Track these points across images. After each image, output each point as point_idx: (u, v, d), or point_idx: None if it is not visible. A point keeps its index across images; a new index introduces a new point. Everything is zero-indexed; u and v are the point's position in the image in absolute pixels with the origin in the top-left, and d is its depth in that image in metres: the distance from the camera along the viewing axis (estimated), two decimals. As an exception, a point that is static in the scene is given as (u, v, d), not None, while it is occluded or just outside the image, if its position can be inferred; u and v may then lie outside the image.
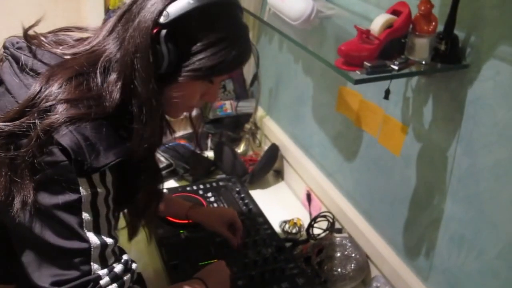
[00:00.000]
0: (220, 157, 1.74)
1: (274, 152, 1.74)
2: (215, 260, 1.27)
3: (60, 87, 0.80)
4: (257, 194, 1.67)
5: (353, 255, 1.29)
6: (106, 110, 0.81)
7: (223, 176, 1.71)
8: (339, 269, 1.26)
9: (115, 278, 0.81)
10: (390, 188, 1.23)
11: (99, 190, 0.79)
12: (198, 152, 1.83)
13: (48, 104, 0.78)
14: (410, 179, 1.15)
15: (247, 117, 1.90)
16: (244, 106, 1.92)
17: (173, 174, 1.75)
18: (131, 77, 0.82)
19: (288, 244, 1.42)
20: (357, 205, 1.39)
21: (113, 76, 0.84)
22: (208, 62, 0.85)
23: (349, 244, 1.31)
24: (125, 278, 0.83)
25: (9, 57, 0.87)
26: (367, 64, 0.85)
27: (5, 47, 0.90)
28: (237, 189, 1.58)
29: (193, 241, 1.34)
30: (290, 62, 1.65)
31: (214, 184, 1.61)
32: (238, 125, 1.92)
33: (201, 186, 1.59)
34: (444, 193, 1.05)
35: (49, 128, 0.76)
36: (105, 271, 0.80)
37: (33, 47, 0.87)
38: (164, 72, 0.84)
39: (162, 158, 1.76)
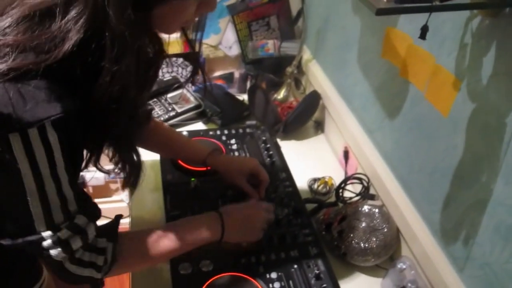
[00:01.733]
0: (253, 102, 1.57)
1: (313, 100, 1.54)
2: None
3: (10, 26, 0.65)
4: (290, 146, 1.51)
5: (380, 228, 1.10)
6: (59, 55, 0.65)
7: (253, 122, 1.54)
8: (361, 243, 1.09)
9: (58, 241, 0.72)
10: (432, 156, 1.01)
11: (36, 149, 0.66)
12: (232, 94, 1.67)
13: None
14: (457, 147, 0.92)
15: (291, 59, 1.70)
16: (288, 47, 1.71)
17: (201, 115, 1.62)
18: (101, 5, 0.66)
19: (312, 206, 1.25)
20: (395, 170, 1.18)
21: (75, 10, 0.67)
22: None
23: (378, 215, 1.12)
24: (72, 241, 0.74)
25: None
26: (397, -11, 0.62)
27: None
28: (264, 138, 1.42)
29: (203, 192, 1.21)
30: (340, 0, 1.41)
31: (240, 131, 1.46)
32: (281, 68, 1.72)
33: (226, 132, 1.44)
34: (495, 170, 0.82)
35: None
36: (48, 233, 0.71)
37: None
38: None
39: (191, 98, 1.63)
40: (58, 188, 0.70)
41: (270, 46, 1.71)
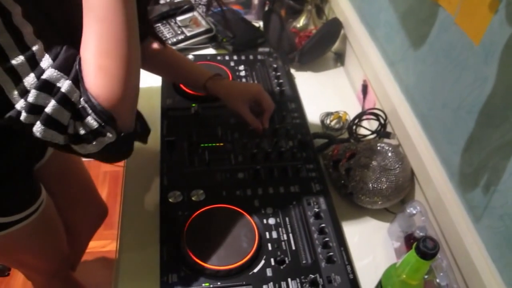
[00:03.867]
0: (267, 27, 1.44)
1: (333, 28, 1.40)
2: (220, 144, 1.05)
3: None
4: (305, 77, 1.39)
5: (392, 168, 1.00)
6: None
7: (266, 50, 1.42)
8: (370, 182, 0.99)
9: (31, 109, 0.59)
10: (458, 89, 0.89)
11: None
12: (247, 20, 1.54)
13: None
14: (487, 80, 0.80)
15: (313, -17, 1.55)
16: (312, -31, 1.55)
17: (212, 40, 1.50)
18: None
19: (322, 142, 1.15)
20: (415, 106, 1.06)
21: None
22: None
23: (392, 154, 1.01)
24: (48, 107, 0.59)
25: None
26: None
27: None
28: (275, 65, 1.30)
29: (203, 119, 1.12)
30: None
31: (250, 57, 1.34)
32: (302, -7, 1.57)
33: (235, 58, 1.33)
34: (529, 105, 0.70)
35: None
36: (21, 102, 0.59)
37: None
38: None
39: (203, 22, 1.51)
40: (15, 39, 0.58)
41: (292, -33, 1.55)
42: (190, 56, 1.31)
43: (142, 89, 1.23)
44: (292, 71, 1.40)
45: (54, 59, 0.59)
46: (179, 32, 1.48)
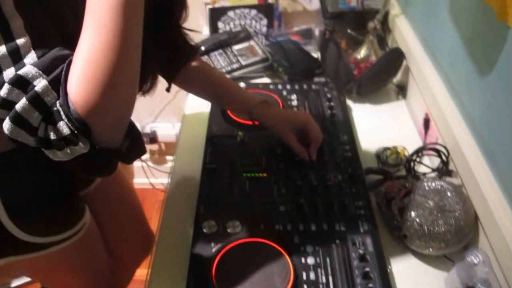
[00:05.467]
0: (324, 57, 1.38)
1: (394, 58, 1.32)
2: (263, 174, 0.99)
3: None
4: (363, 110, 1.32)
5: (452, 210, 0.88)
6: None
7: (322, 80, 1.36)
8: (426, 225, 0.88)
9: (2, 103, 0.57)
10: (529, 121, 0.77)
11: None
12: (306, 51, 1.50)
13: None
14: None
15: (375, 14, 1.48)
16: (373, 0, 1.48)
17: (267, 69, 1.47)
18: None
19: (376, 178, 1.06)
20: (481, 142, 0.95)
21: None
22: None
23: (452, 194, 0.90)
24: (18, 105, 0.56)
25: None
26: None
27: None
28: (329, 95, 1.24)
29: (248, 147, 1.07)
30: None
31: (304, 87, 1.29)
32: (364, 23, 1.51)
33: (288, 87, 1.28)
34: None
35: None
36: None
37: None
38: None
39: (259, 51, 1.48)
40: (3, 31, 0.56)
41: (353, -3, 1.50)
42: (242, 84, 1.28)
43: (190, 115, 1.23)
44: (349, 102, 1.33)
45: (40, 57, 0.57)
46: (234, 60, 1.46)
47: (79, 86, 0.57)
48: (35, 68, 0.56)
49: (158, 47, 0.87)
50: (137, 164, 2.36)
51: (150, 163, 2.33)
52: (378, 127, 1.26)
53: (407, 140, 1.19)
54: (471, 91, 0.99)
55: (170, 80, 1.03)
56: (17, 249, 0.86)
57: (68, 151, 0.59)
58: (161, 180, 2.29)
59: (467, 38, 1.00)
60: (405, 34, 1.37)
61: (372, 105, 1.35)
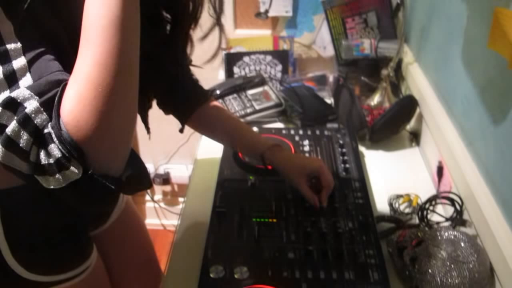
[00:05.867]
0: (338, 103, 1.39)
1: (407, 105, 1.32)
2: (272, 220, 0.98)
3: None
4: (376, 156, 1.31)
5: (466, 261, 0.86)
6: None
7: (335, 125, 1.37)
8: (438, 276, 0.85)
9: None
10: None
11: None
12: (320, 97, 1.51)
13: None
14: None
15: (389, 61, 1.50)
16: (387, 48, 1.51)
17: (281, 114, 1.48)
18: None
19: (387, 226, 1.04)
20: (496, 191, 0.93)
21: None
22: None
23: (466, 245, 0.88)
24: (8, 127, 0.55)
25: None
26: None
27: None
28: (341, 142, 1.24)
29: (258, 192, 1.07)
30: (447, -17, 1.20)
31: (317, 132, 1.29)
32: (377, 70, 1.53)
33: (301, 132, 1.29)
34: None
35: None
36: None
37: None
38: None
39: (273, 96, 1.50)
40: (1, 58, 0.55)
41: (366, 45, 1.52)
42: (255, 129, 1.29)
43: (201, 159, 1.24)
44: (362, 149, 1.33)
45: (36, 80, 0.56)
46: (248, 105, 1.48)
47: (71, 106, 0.55)
48: (28, 90, 0.56)
49: (159, 82, 0.87)
50: (149, 204, 2.36)
51: (162, 204, 2.33)
52: (390, 174, 1.25)
53: (420, 188, 1.18)
54: (485, 139, 0.98)
55: (183, 121, 1.05)
56: (18, 287, 0.85)
57: (61, 177, 0.57)
58: (172, 221, 2.28)
59: (480, 86, 1.00)
60: (418, 81, 1.37)
61: (385, 151, 1.34)
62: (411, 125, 1.39)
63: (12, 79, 0.56)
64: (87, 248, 0.96)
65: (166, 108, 1.04)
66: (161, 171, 2.24)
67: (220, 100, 1.51)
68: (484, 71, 0.98)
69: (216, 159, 1.20)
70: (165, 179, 2.24)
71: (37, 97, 0.56)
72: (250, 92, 1.53)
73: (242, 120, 1.42)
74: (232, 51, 1.71)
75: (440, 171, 1.17)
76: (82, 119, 0.55)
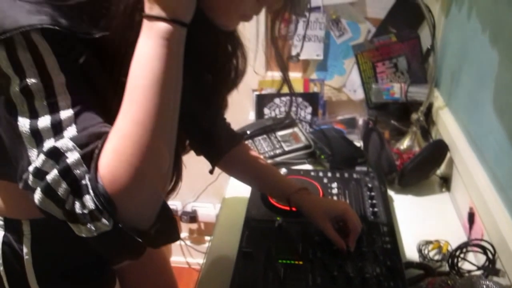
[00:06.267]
0: (367, 146, 1.39)
1: (438, 150, 1.31)
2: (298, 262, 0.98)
3: None
4: (405, 201, 1.30)
5: (499, 312, 0.83)
6: None
7: (364, 169, 1.36)
8: (470, 327, 0.83)
9: (37, 173, 0.58)
10: None
11: (20, 56, 0.59)
12: (349, 139, 1.52)
13: None
14: None
15: (419, 105, 1.50)
16: (417, 92, 1.51)
17: (310, 156, 1.49)
18: None
19: (416, 273, 1.02)
20: (530, 241, 0.90)
21: None
22: None
23: (499, 295, 0.85)
24: (49, 175, 0.57)
25: None
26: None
27: None
28: (370, 185, 1.23)
29: (285, 233, 1.06)
30: (477, 32, 1.20)
31: (346, 175, 1.29)
32: (407, 114, 1.53)
33: (329, 175, 1.29)
34: None
35: None
36: (33, 164, 0.59)
37: None
38: None
39: (302, 138, 1.52)
40: (50, 108, 0.59)
41: (396, 89, 1.53)
42: (283, 169, 1.30)
43: (230, 197, 1.25)
44: (391, 193, 1.32)
45: (79, 131, 0.59)
46: (277, 146, 1.50)
47: (109, 161, 0.58)
48: (71, 142, 0.58)
49: (196, 132, 0.90)
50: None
51: (188, 242, 2.33)
52: (420, 219, 1.23)
53: (451, 234, 1.15)
54: (517, 187, 0.96)
55: (214, 163, 1.07)
56: None
57: (92, 227, 0.58)
58: (198, 260, 2.28)
59: (512, 133, 0.99)
60: (449, 126, 1.37)
61: (415, 196, 1.32)
62: (441, 170, 1.37)
63: (58, 129, 0.59)
64: (110, 282, 0.97)
65: (198, 150, 1.06)
66: (188, 209, 2.25)
67: (250, 141, 1.53)
68: (516, 118, 0.98)
69: (244, 198, 1.21)
70: (192, 217, 2.25)
71: (79, 149, 0.59)
72: (280, 133, 1.55)
73: (270, 161, 1.43)
74: (264, 92, 1.75)
75: (471, 217, 1.14)
76: (118, 174, 0.57)
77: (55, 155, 0.58)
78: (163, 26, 0.60)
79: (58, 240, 0.82)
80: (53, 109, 0.59)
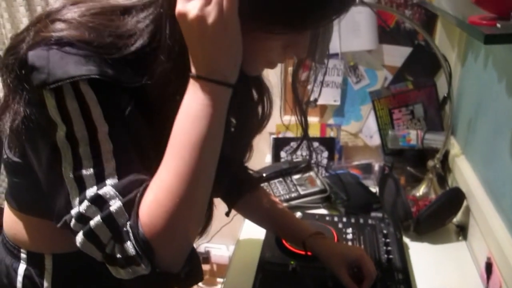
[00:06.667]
0: (383, 192, 1.39)
1: (454, 198, 1.30)
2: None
3: (79, 10, 0.67)
4: (420, 249, 1.29)
5: None
6: (128, 50, 0.65)
7: (379, 215, 1.36)
8: None
9: (80, 218, 0.62)
10: None
11: (69, 104, 0.62)
12: (365, 185, 1.52)
13: (52, 19, 0.66)
14: None
15: (435, 152, 1.50)
16: (433, 139, 1.52)
17: (325, 201, 1.49)
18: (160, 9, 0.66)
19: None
20: (549, 294, 0.89)
21: (144, 13, 0.67)
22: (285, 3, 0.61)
23: None
24: (92, 221, 0.61)
25: None
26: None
27: None
28: (385, 231, 1.22)
29: (299, 277, 1.06)
30: (493, 81, 1.22)
31: (361, 221, 1.29)
32: (423, 161, 1.53)
33: (344, 220, 1.29)
34: None
35: (33, 44, 0.64)
36: (76, 209, 0.62)
37: None
38: None
39: (318, 182, 1.52)
40: (94, 156, 0.62)
41: (413, 136, 1.54)
42: (298, 213, 1.30)
43: (244, 239, 1.26)
44: (407, 240, 1.30)
45: (120, 179, 0.62)
46: (293, 189, 1.50)
47: (150, 210, 0.61)
48: (113, 189, 0.62)
49: (221, 176, 0.92)
50: (188, 284, 2.34)
51: (200, 284, 2.31)
52: (436, 267, 1.21)
53: (467, 284, 1.14)
54: (535, 237, 0.95)
55: (231, 206, 1.08)
56: None
57: (130, 270, 0.62)
58: (210, 303, 2.25)
59: (529, 183, 0.99)
60: (465, 174, 1.36)
61: (431, 244, 1.31)
62: (457, 218, 1.36)
63: (100, 177, 0.63)
64: None
65: (216, 192, 1.08)
66: (201, 249, 2.25)
67: (266, 183, 1.54)
68: (532, 167, 0.97)
69: (258, 241, 1.21)
70: (205, 258, 2.24)
71: (121, 197, 0.62)
72: (296, 176, 1.56)
73: (286, 204, 1.44)
74: (280, 136, 1.77)
75: (489, 268, 1.12)
76: (158, 223, 0.61)
77: (99, 202, 0.62)
78: (211, 87, 0.64)
79: (79, 276, 0.83)
80: (97, 157, 0.63)
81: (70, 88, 0.62)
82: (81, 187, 0.62)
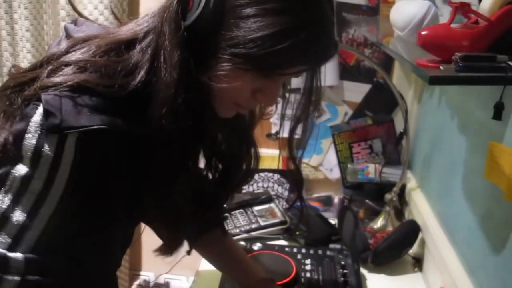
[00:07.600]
0: (341, 224, 1.41)
1: (410, 230, 1.34)
2: None
3: (86, 51, 0.69)
4: (378, 280, 1.30)
5: None
6: (125, 86, 0.67)
7: (338, 246, 1.37)
8: None
9: None
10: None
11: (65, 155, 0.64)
12: (324, 217, 1.54)
13: (61, 62, 0.68)
14: None
15: (392, 186, 1.54)
16: (391, 173, 1.56)
17: (285, 232, 1.50)
18: (159, 46, 0.68)
19: None
20: (500, 324, 0.91)
21: (142, 45, 0.70)
22: (261, 47, 0.64)
23: None
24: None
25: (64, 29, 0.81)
26: (458, 55, 0.51)
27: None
28: (343, 263, 1.24)
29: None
30: (447, 119, 1.28)
31: (320, 252, 1.30)
32: (381, 195, 1.56)
33: (303, 251, 1.30)
34: None
35: (44, 87, 0.65)
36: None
37: (81, 19, 0.81)
38: (198, 45, 0.67)
39: (278, 213, 1.53)
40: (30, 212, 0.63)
41: (371, 170, 1.58)
42: (258, 244, 1.30)
43: (204, 271, 1.24)
44: (364, 271, 1.32)
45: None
46: (253, 220, 1.50)
47: None
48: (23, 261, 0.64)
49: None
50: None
51: (159, 317, 2.25)
52: (393, 300, 1.23)
53: (423, 316, 1.15)
54: (486, 268, 0.98)
55: (191, 244, 1.06)
56: None
57: None
58: (168, 337, 2.18)
59: (480, 216, 1.03)
60: (421, 207, 1.40)
61: (387, 275, 1.33)
62: (413, 250, 1.39)
63: (19, 235, 0.64)
64: None
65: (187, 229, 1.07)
66: (161, 280, 2.20)
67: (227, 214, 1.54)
68: (483, 201, 1.02)
69: (217, 273, 1.19)
70: (164, 290, 2.20)
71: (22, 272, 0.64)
72: (257, 208, 1.56)
73: (246, 235, 1.43)
74: (242, 167, 1.78)
75: (443, 299, 1.15)
76: None
77: (1, 263, 0.62)
78: None
79: None
80: (31, 215, 0.63)
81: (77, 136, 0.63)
82: (1, 227, 0.63)
